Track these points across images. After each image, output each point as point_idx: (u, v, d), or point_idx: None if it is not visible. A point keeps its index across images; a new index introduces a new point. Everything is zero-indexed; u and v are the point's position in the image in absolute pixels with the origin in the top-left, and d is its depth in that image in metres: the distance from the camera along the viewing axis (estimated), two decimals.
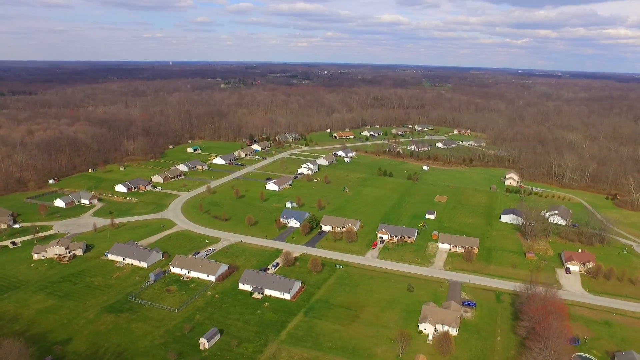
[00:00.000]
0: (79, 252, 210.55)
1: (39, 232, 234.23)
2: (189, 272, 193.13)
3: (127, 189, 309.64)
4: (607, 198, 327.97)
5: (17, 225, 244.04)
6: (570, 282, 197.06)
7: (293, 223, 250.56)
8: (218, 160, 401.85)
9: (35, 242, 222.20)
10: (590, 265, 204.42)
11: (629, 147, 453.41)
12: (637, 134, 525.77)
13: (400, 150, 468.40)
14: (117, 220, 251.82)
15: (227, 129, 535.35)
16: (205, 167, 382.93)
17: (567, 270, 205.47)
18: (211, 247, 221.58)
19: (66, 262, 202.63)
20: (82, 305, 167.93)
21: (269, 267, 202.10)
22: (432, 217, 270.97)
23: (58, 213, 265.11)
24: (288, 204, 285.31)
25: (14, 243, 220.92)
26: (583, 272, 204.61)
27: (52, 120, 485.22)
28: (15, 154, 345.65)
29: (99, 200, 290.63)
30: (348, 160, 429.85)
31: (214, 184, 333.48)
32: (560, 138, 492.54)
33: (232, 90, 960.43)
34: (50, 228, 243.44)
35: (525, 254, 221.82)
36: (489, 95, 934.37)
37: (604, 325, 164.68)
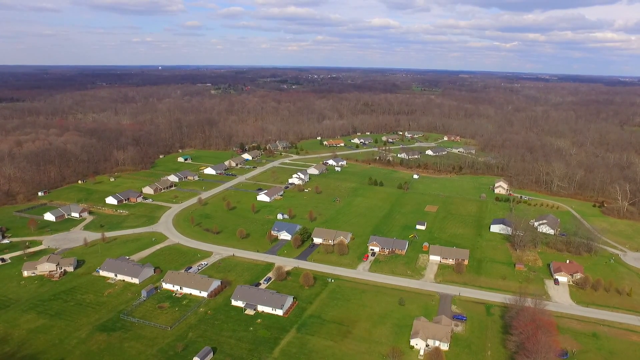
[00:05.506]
0: (70, 269, 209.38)
1: (29, 247, 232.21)
2: (181, 288, 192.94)
3: (118, 201, 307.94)
4: (594, 206, 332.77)
5: (5, 241, 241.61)
6: (559, 294, 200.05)
7: (285, 236, 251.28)
8: (209, 171, 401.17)
9: (24, 258, 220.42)
10: (578, 276, 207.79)
11: (615, 153, 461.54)
12: (622, 140, 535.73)
13: (391, 159, 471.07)
14: (108, 234, 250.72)
15: (218, 137, 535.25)
16: (196, 178, 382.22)
17: (556, 282, 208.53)
18: (203, 262, 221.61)
19: (57, 279, 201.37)
20: (74, 324, 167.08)
21: (261, 281, 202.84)
22: (422, 227, 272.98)
23: (48, 227, 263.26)
24: (279, 216, 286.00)
25: (2, 259, 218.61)
26: (571, 283, 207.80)
27: (41, 130, 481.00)
28: (4, 166, 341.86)
29: (89, 213, 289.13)
30: (339, 169, 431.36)
31: (205, 195, 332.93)
32: (549, 145, 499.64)
33: (222, 96, 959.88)
34: (40, 243, 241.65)
35: (514, 265, 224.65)
36: (478, 100, 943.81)
37: (592, 337, 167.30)
